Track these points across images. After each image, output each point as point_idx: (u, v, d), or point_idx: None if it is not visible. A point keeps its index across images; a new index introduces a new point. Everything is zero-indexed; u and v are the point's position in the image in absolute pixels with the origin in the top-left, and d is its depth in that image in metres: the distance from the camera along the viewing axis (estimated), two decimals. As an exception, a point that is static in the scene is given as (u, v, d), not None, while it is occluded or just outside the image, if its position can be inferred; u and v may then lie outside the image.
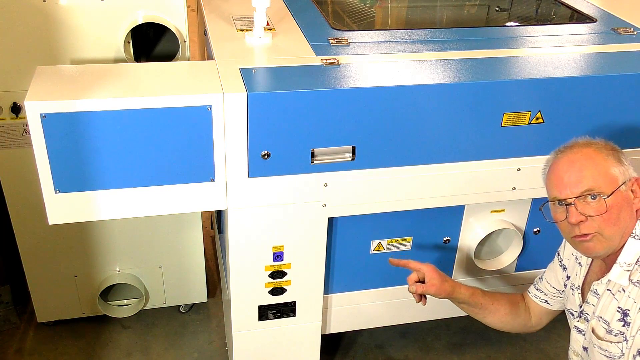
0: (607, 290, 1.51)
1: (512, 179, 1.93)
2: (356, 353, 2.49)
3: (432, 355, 2.49)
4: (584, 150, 1.49)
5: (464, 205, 2.05)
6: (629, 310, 1.45)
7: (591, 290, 1.56)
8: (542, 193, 1.98)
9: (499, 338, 2.55)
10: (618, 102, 1.88)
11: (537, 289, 1.84)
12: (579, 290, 1.64)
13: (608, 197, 1.43)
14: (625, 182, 1.45)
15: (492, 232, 2.11)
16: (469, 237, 2.12)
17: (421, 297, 1.79)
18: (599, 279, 1.55)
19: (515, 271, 2.26)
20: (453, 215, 2.07)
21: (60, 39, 1.95)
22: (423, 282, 1.77)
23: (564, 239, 1.64)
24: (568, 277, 1.71)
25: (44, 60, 1.94)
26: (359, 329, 2.37)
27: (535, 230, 2.18)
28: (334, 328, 2.20)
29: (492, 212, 2.10)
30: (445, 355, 2.49)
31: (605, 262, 1.54)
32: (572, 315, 1.66)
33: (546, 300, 1.81)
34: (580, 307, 1.62)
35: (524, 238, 2.17)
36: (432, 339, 2.56)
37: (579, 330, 1.63)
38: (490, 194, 1.96)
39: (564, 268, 1.73)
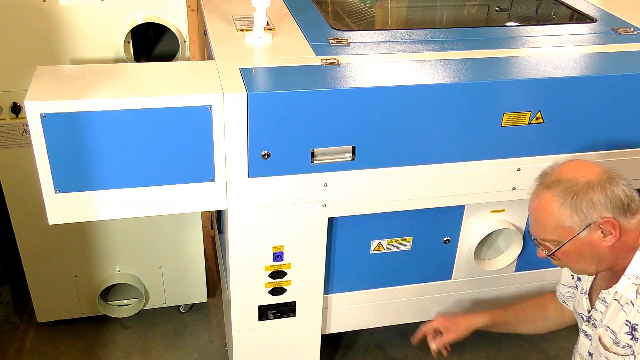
0: (615, 300, 1.49)
1: (512, 179, 1.93)
2: (356, 353, 2.49)
3: (432, 355, 2.48)
4: (543, 197, 1.46)
5: (464, 205, 2.05)
6: (637, 325, 1.42)
7: (599, 298, 1.55)
8: (542, 193, 1.99)
9: (499, 338, 2.55)
10: (618, 102, 1.88)
11: (558, 287, 1.85)
12: (587, 295, 1.63)
13: (563, 245, 1.45)
14: (586, 227, 1.41)
15: (492, 232, 2.11)
16: (469, 237, 2.12)
17: (445, 348, 1.85)
18: (607, 288, 1.53)
19: (515, 271, 2.26)
20: (453, 215, 2.07)
21: (60, 39, 1.95)
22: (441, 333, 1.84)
23: None
24: (579, 278, 1.70)
25: (44, 60, 1.94)
26: (359, 329, 2.37)
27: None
28: (334, 328, 2.20)
29: (492, 212, 2.10)
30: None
31: (613, 269, 1.51)
32: (582, 318, 1.65)
33: (564, 302, 1.82)
34: (589, 312, 1.61)
35: (524, 238, 2.17)
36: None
37: (586, 334, 1.61)
38: (490, 194, 1.96)
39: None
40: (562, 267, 1.60)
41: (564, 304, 1.82)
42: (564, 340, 2.54)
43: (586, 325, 1.61)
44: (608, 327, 1.50)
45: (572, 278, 1.74)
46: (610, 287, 1.51)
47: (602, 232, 1.41)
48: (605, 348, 1.50)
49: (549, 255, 1.50)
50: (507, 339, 2.55)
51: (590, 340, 1.60)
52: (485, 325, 1.84)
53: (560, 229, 1.43)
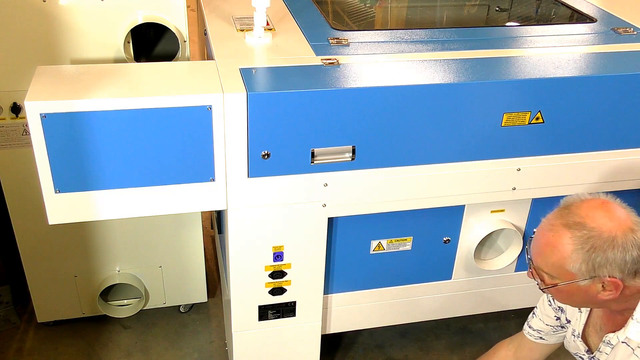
0: (623, 343, 1.42)
1: (512, 179, 1.93)
2: (356, 353, 2.49)
3: (432, 355, 2.49)
4: (558, 234, 1.36)
5: (464, 205, 2.05)
6: None
7: (604, 341, 1.48)
8: (542, 193, 2.00)
9: (499, 338, 2.54)
10: (618, 102, 1.88)
11: (530, 327, 1.79)
12: (580, 338, 1.58)
13: (557, 285, 1.39)
14: (588, 279, 1.34)
15: (492, 232, 2.11)
16: (469, 237, 2.12)
17: None
18: (611, 330, 1.46)
19: (515, 271, 2.26)
20: (453, 215, 2.07)
21: (60, 39, 1.95)
22: None
23: None
24: (568, 320, 1.65)
25: (44, 60, 1.94)
26: (359, 329, 2.37)
27: (535, 230, 2.18)
28: (334, 328, 2.20)
29: (492, 212, 2.10)
30: (445, 355, 2.49)
31: (612, 310, 1.45)
32: (581, 358, 1.60)
33: (541, 337, 1.77)
34: (589, 352, 1.55)
35: (524, 238, 2.17)
36: (432, 339, 2.56)
37: None
38: (490, 194, 1.96)
39: (562, 310, 1.67)
40: (545, 292, 1.52)
41: (536, 341, 1.77)
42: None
43: None
44: None
45: (557, 319, 1.69)
46: (616, 330, 1.44)
47: (602, 286, 1.35)
48: None
49: (538, 285, 1.45)
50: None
51: None
52: None
53: (563, 271, 1.37)
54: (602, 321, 1.54)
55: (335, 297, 2.12)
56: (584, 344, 1.58)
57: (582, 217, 1.35)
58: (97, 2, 1.93)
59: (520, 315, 2.62)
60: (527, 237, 2.18)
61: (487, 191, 1.94)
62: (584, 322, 1.58)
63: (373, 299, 2.17)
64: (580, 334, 1.59)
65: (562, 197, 1.96)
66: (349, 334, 2.54)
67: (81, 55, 1.99)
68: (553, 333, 1.74)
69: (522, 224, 2.16)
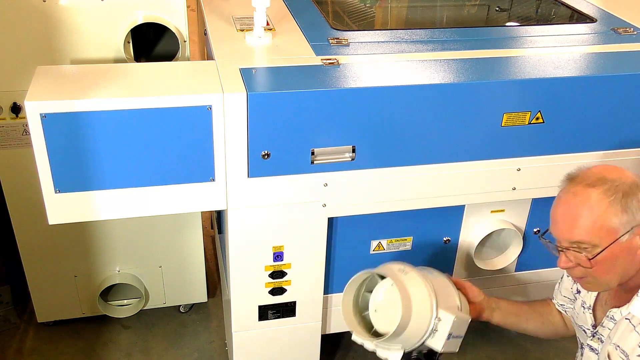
0: (626, 319, 1.42)
1: (512, 179, 1.93)
2: (356, 353, 2.49)
3: (432, 355, 2.49)
4: (587, 193, 1.34)
5: (464, 205, 2.05)
6: None
7: (607, 316, 1.49)
8: (542, 193, 1.99)
9: (499, 338, 2.55)
10: (618, 102, 1.88)
11: (555, 295, 1.78)
12: (590, 310, 1.57)
13: (602, 251, 1.34)
14: (629, 231, 1.33)
15: (492, 232, 2.11)
16: (469, 237, 2.12)
17: None
18: (616, 305, 1.46)
19: (515, 271, 2.26)
20: (453, 215, 2.07)
21: (60, 39, 1.95)
22: None
23: None
24: (578, 291, 1.64)
25: (44, 60, 1.95)
26: (359, 329, 2.36)
27: (535, 230, 2.18)
28: (334, 328, 2.20)
29: (492, 212, 2.10)
30: (445, 355, 2.49)
31: (622, 286, 1.44)
32: (585, 332, 1.60)
33: (564, 309, 1.76)
34: (594, 327, 1.55)
35: (524, 238, 2.17)
36: (432, 339, 2.55)
37: (592, 349, 1.55)
38: (490, 194, 1.96)
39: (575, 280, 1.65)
40: (581, 282, 1.47)
41: (564, 312, 1.77)
42: (564, 340, 2.53)
43: (591, 340, 1.55)
44: (618, 347, 1.43)
45: (572, 290, 1.69)
46: (621, 305, 1.44)
47: None
48: None
49: (577, 266, 1.40)
50: (507, 339, 2.55)
51: (597, 354, 1.54)
52: (495, 322, 1.76)
53: (605, 231, 1.33)
54: (609, 295, 1.53)
55: (335, 297, 2.12)
56: (592, 318, 1.56)
57: (598, 175, 1.36)
58: (97, 2, 1.93)
59: (520, 315, 2.63)
60: (527, 237, 2.18)
61: (487, 191, 1.94)
62: (596, 295, 1.57)
63: (373, 299, 2.16)
64: (592, 306, 1.57)
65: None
66: (349, 334, 2.53)
67: (81, 55, 1.99)
68: (571, 308, 1.73)
69: (522, 224, 2.16)
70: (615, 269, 1.38)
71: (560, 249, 1.41)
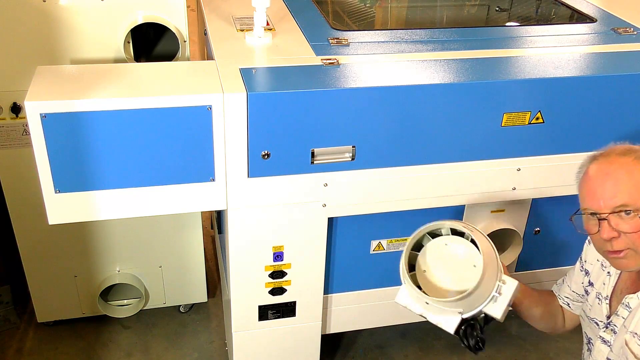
0: None
1: (512, 179, 1.93)
2: (356, 353, 2.49)
3: (432, 355, 2.49)
4: (621, 160, 1.35)
5: (464, 205, 2.05)
6: None
7: (623, 303, 1.47)
8: (542, 193, 2.00)
9: (499, 338, 2.55)
10: (618, 102, 1.88)
11: (559, 289, 1.77)
12: (607, 301, 1.55)
13: None
14: None
15: (492, 232, 2.11)
16: (469, 237, 2.12)
17: None
18: (633, 292, 1.45)
19: (515, 271, 2.26)
20: (453, 215, 2.07)
21: (60, 39, 1.95)
22: None
23: (586, 243, 1.60)
24: (590, 283, 1.63)
25: (44, 60, 1.94)
26: (359, 329, 2.37)
27: (535, 230, 2.18)
28: (334, 328, 2.20)
29: (492, 212, 2.10)
30: (445, 355, 2.49)
31: None
32: (597, 325, 1.58)
33: (567, 304, 1.74)
34: (609, 318, 1.53)
35: (524, 238, 2.17)
36: (432, 339, 2.56)
37: (605, 341, 1.53)
38: (490, 194, 1.96)
39: (586, 273, 1.64)
40: (620, 257, 1.41)
41: (564, 306, 1.76)
42: (564, 340, 2.54)
43: (604, 332, 1.53)
44: (636, 334, 1.41)
45: (583, 284, 1.66)
46: (638, 291, 1.44)
47: None
48: (635, 356, 1.41)
49: (620, 236, 1.36)
50: (507, 339, 2.55)
51: (609, 347, 1.52)
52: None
53: None
54: (625, 285, 1.51)
55: (335, 297, 2.12)
56: (608, 309, 1.54)
57: (624, 147, 1.38)
58: (97, 2, 1.93)
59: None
60: (527, 237, 2.18)
61: (487, 191, 1.94)
62: (614, 285, 1.55)
63: (373, 299, 2.16)
64: (609, 296, 1.55)
65: (562, 197, 1.98)
66: (349, 334, 2.54)
67: (81, 55, 1.99)
68: (578, 303, 1.71)
69: (522, 224, 2.16)
70: None
71: (601, 218, 1.36)
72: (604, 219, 1.36)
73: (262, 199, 1.78)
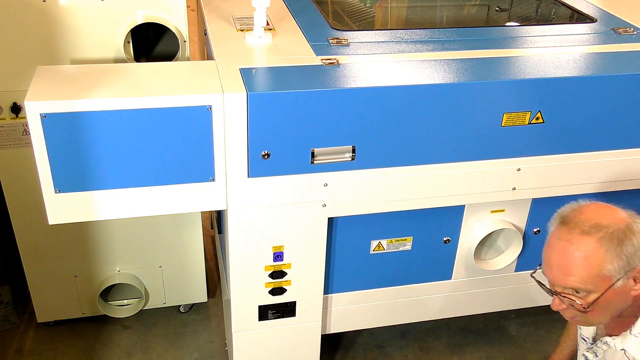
0: (622, 350, 1.42)
1: (512, 179, 1.93)
2: (356, 353, 2.49)
3: (432, 355, 2.49)
4: (583, 241, 1.32)
5: (464, 205, 2.05)
6: None
7: (600, 340, 1.49)
8: (542, 193, 2.00)
9: (499, 338, 2.56)
10: (618, 102, 1.88)
11: None
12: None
13: (597, 297, 1.34)
14: (623, 276, 1.32)
15: (492, 232, 2.11)
16: (469, 237, 2.12)
17: None
18: (612, 333, 1.46)
19: (515, 271, 2.26)
20: (453, 215, 2.07)
21: (60, 39, 1.95)
22: None
23: None
24: None
25: (44, 60, 1.94)
26: (359, 329, 2.37)
27: (535, 230, 2.18)
28: (334, 328, 2.20)
29: (492, 212, 2.10)
30: (445, 355, 2.49)
31: (620, 315, 1.43)
32: (584, 341, 1.59)
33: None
34: (594, 339, 1.55)
35: (524, 238, 2.17)
36: (432, 339, 2.56)
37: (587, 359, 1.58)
38: (490, 194, 1.96)
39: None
40: (572, 321, 1.47)
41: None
42: (564, 340, 2.54)
43: (587, 351, 1.56)
44: None
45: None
46: (616, 334, 1.45)
47: (634, 279, 1.34)
48: None
49: (569, 308, 1.38)
50: (507, 339, 2.55)
51: None
52: None
53: (600, 279, 1.32)
54: (607, 325, 1.53)
55: (335, 297, 2.12)
56: (595, 330, 1.56)
57: (592, 220, 1.34)
58: (97, 2, 1.93)
59: (520, 316, 2.63)
60: (527, 237, 2.18)
61: (487, 191, 1.94)
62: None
63: (373, 299, 2.17)
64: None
65: (562, 197, 1.98)
66: (349, 334, 2.54)
67: (81, 55, 1.99)
68: None
69: (522, 224, 2.16)
70: (608, 311, 1.39)
71: (553, 291, 1.40)
72: (555, 293, 1.39)
73: (262, 199, 1.78)
